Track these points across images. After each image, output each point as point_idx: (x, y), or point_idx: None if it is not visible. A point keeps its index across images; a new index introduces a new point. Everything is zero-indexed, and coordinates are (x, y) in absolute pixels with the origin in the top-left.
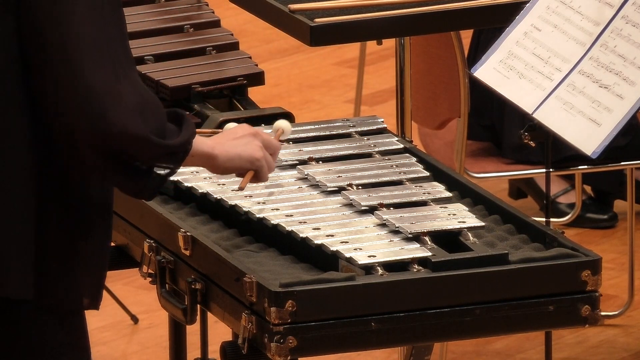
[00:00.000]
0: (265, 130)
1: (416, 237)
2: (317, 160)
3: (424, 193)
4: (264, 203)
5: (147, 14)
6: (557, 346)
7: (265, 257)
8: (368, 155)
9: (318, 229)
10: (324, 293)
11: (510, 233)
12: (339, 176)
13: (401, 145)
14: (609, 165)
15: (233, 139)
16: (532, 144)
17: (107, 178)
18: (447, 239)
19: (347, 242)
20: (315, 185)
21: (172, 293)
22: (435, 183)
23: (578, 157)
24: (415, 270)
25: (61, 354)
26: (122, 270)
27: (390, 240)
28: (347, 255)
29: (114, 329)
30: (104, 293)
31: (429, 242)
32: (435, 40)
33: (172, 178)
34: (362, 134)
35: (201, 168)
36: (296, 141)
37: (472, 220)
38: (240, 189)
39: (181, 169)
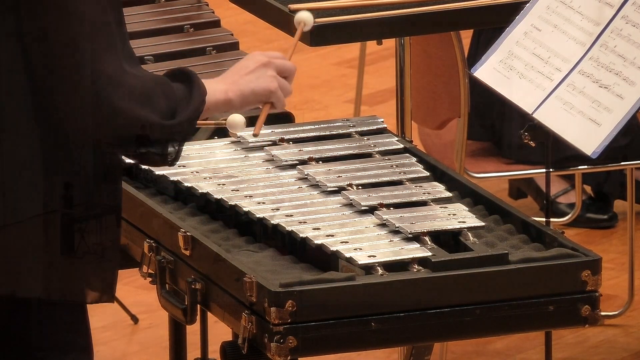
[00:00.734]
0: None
1: (416, 237)
2: (317, 160)
3: (424, 193)
4: (263, 203)
5: (147, 14)
6: (557, 346)
7: (265, 257)
8: (368, 155)
9: (318, 229)
10: (324, 293)
11: (510, 233)
12: (339, 176)
13: (401, 145)
14: (608, 165)
15: (245, 74)
16: (532, 144)
17: (129, 158)
18: (447, 239)
19: (347, 242)
20: (315, 185)
21: (172, 293)
22: (435, 183)
23: (578, 157)
24: (415, 270)
25: (66, 353)
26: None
27: (390, 240)
28: (347, 255)
29: (114, 329)
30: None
31: (429, 242)
32: (435, 40)
33: (172, 178)
34: (362, 134)
35: (201, 168)
36: (296, 141)
37: (472, 220)
38: (255, 135)
39: (181, 169)
